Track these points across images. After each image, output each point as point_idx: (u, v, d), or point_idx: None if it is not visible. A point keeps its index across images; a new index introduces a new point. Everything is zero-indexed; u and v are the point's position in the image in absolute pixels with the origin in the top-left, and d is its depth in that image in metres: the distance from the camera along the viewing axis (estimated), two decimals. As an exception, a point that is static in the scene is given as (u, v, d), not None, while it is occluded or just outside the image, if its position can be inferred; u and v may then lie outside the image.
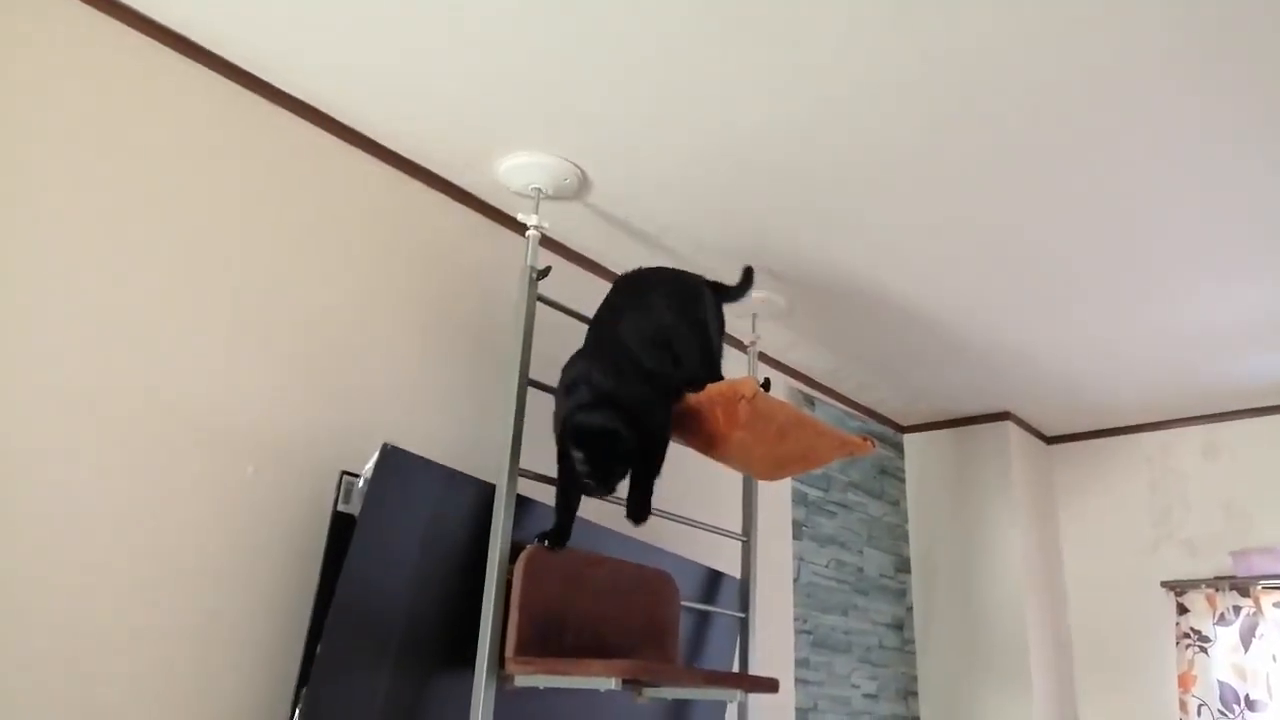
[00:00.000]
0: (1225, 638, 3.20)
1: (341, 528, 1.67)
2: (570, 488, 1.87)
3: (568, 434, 1.79)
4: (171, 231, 1.68)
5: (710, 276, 2.16)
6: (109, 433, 1.54)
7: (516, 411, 1.88)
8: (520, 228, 2.06)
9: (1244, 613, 3.20)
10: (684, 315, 2.00)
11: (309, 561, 1.71)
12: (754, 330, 2.68)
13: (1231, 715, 3.12)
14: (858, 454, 2.30)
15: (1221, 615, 3.23)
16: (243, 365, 1.74)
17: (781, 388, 3.12)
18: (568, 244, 2.40)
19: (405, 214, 2.09)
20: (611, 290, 2.06)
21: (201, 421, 1.66)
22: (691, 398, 2.00)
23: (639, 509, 1.86)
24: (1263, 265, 2.41)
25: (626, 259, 2.45)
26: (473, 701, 1.70)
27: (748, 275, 2.32)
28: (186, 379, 1.65)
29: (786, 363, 3.16)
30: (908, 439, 3.76)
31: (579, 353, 1.92)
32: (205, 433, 1.66)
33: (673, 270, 2.13)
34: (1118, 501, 3.63)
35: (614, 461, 1.78)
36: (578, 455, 1.77)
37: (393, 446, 1.69)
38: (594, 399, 1.79)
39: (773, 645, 2.82)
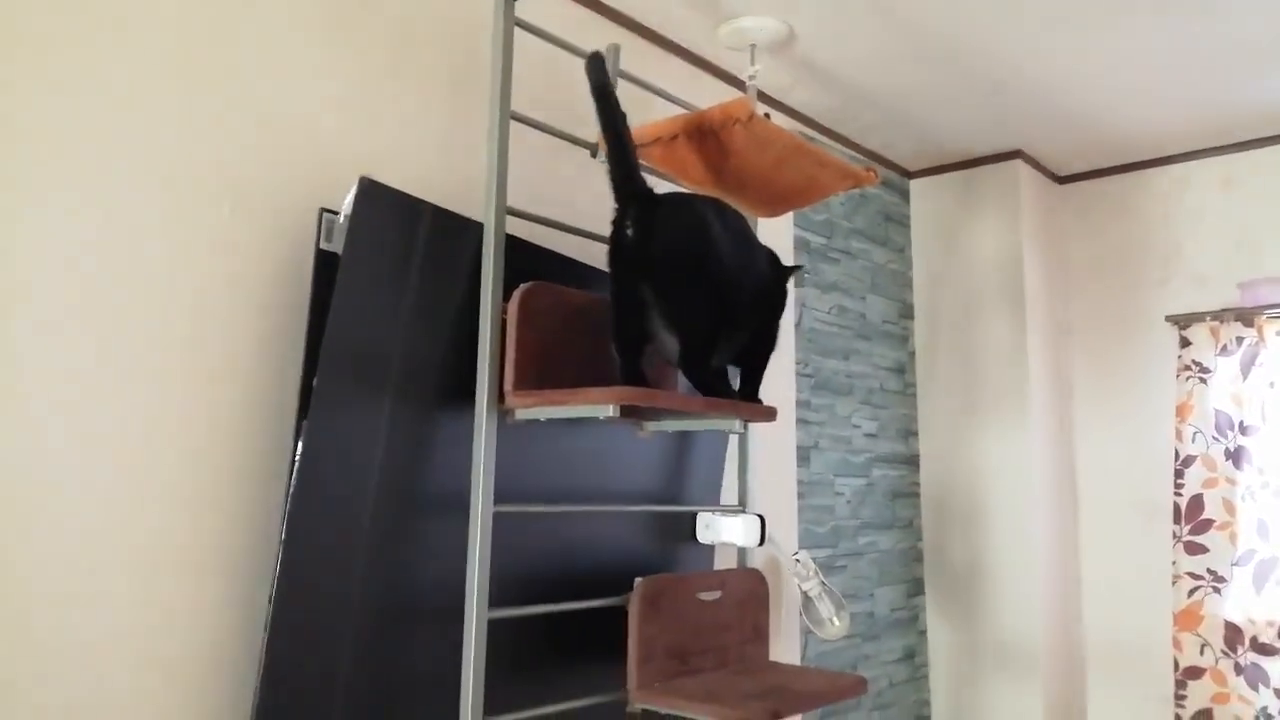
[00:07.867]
0: (1225, 368, 3.23)
1: (327, 265, 1.64)
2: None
3: None
4: (109, -48, 1.54)
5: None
6: (75, 177, 1.48)
7: (500, 145, 1.78)
8: (493, -55, 1.89)
9: (1246, 342, 3.21)
10: None
11: (298, 299, 1.68)
12: (753, 63, 2.53)
13: (1225, 440, 3.20)
14: (861, 184, 2.22)
15: (1224, 346, 3.24)
16: (201, 104, 1.64)
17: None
18: (548, -31, 2.22)
19: (367, -65, 1.92)
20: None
21: (167, 163, 1.58)
22: (680, 125, 1.91)
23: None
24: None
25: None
26: (474, 435, 1.72)
27: None
28: (144, 120, 1.57)
29: (788, 103, 3.02)
30: (914, 185, 3.66)
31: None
32: (172, 175, 1.59)
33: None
34: (1129, 239, 3.57)
35: None
36: None
37: (371, 180, 1.63)
38: None
39: (774, 387, 2.85)
